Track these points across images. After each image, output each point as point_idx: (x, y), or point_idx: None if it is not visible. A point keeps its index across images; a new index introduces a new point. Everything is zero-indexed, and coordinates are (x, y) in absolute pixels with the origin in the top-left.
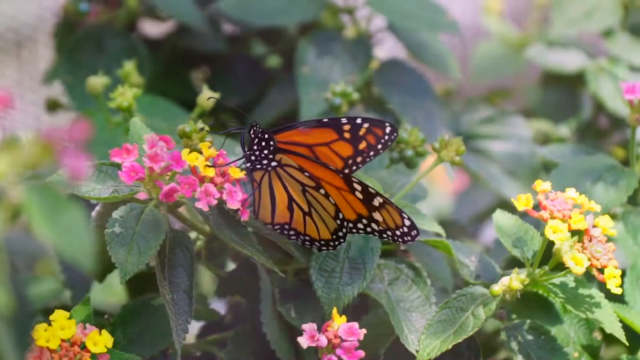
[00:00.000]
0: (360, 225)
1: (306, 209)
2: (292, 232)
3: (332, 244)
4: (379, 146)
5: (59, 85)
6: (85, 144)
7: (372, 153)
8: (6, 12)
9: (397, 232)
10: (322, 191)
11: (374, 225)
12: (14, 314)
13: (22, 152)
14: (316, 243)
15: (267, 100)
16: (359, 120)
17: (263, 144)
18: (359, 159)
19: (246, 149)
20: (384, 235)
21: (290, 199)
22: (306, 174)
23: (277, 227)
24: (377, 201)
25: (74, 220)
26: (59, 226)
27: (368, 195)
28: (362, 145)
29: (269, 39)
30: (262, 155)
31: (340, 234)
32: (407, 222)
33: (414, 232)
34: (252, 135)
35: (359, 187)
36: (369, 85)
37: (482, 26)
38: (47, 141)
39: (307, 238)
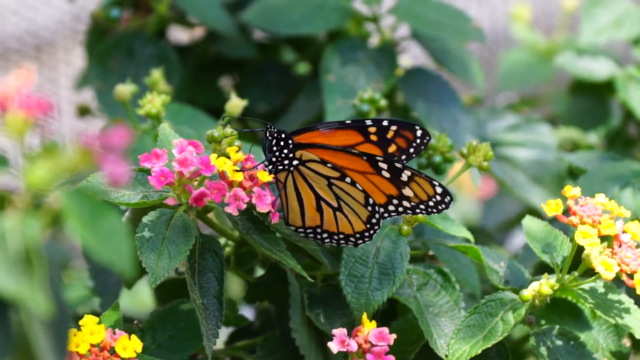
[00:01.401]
0: (391, 208)
1: (335, 204)
2: (325, 235)
3: (367, 234)
4: (411, 150)
5: (81, 91)
6: (124, 150)
7: (403, 157)
8: (25, 16)
9: (431, 203)
10: (347, 180)
11: (405, 203)
12: (53, 319)
13: (61, 158)
14: (351, 239)
15: (294, 108)
16: (385, 122)
17: (282, 143)
18: (385, 166)
19: (266, 152)
20: (417, 210)
21: (318, 198)
22: (329, 165)
23: (309, 231)
24: (405, 175)
25: (113, 225)
26: (98, 231)
27: (395, 172)
28: (392, 148)
29: (298, 46)
30: (283, 155)
31: (374, 220)
32: (439, 190)
33: (447, 199)
34: (270, 138)
35: (384, 166)
36: (393, 93)
37: (509, 33)
38: (87, 147)
39: (341, 236)
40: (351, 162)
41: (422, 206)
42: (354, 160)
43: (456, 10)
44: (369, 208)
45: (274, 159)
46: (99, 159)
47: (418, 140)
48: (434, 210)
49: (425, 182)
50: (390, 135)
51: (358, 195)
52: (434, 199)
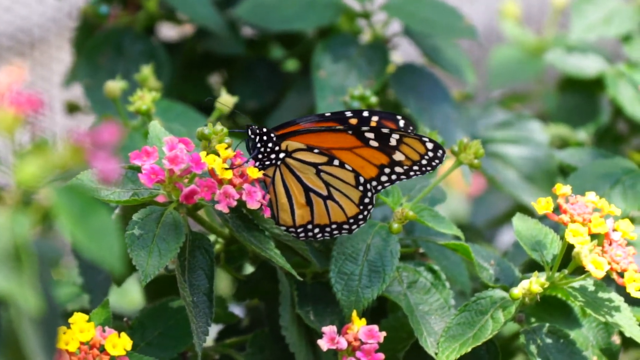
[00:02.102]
0: (384, 178)
1: (325, 192)
2: (316, 230)
3: (361, 216)
4: (424, 162)
5: (73, 88)
6: (114, 147)
7: (416, 169)
8: (19, 13)
9: (424, 162)
10: (336, 162)
11: (398, 169)
12: (43, 316)
13: (52, 155)
14: (345, 226)
15: (284, 104)
16: (365, 114)
17: (265, 138)
18: (398, 169)
19: (252, 150)
20: (411, 173)
21: (307, 190)
22: (315, 150)
23: (300, 230)
24: (393, 139)
25: (103, 222)
26: (88, 228)
27: (383, 138)
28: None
29: (288, 42)
30: (268, 149)
31: (367, 200)
32: (430, 146)
33: (439, 152)
34: (252, 136)
35: (371, 135)
36: (385, 90)
37: (494, 29)
38: (77, 144)
39: (334, 227)
40: (337, 141)
41: (415, 167)
42: (340, 138)
43: (448, 8)
44: (360, 188)
45: (260, 155)
46: (89, 156)
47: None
48: (429, 169)
49: (414, 140)
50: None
51: (348, 176)
52: (426, 157)
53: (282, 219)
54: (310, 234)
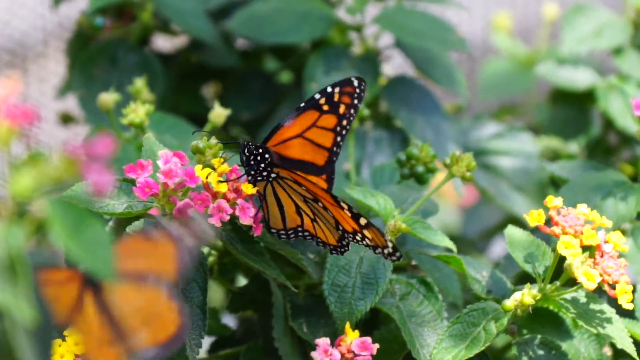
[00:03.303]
0: (358, 237)
1: (312, 216)
2: (306, 233)
3: (340, 250)
4: (355, 101)
5: (69, 101)
6: (108, 159)
7: (352, 111)
8: (17, 27)
9: (385, 251)
10: (320, 204)
11: (367, 240)
12: (38, 327)
13: (46, 167)
14: (328, 245)
15: (277, 116)
16: (329, 89)
17: (258, 158)
18: (344, 122)
19: (245, 166)
20: (377, 251)
21: (297, 206)
22: (303, 187)
23: (290, 232)
24: (362, 221)
25: (97, 234)
26: (82, 240)
27: (354, 216)
28: (342, 109)
29: (281, 54)
30: (260, 168)
31: (344, 242)
32: (389, 244)
33: (397, 254)
34: (247, 153)
35: (345, 206)
36: (376, 102)
37: (491, 43)
38: (71, 156)
39: (319, 240)
40: (320, 192)
41: (379, 249)
42: (323, 192)
43: (440, 20)
44: (339, 232)
45: (252, 172)
46: (84, 168)
47: (358, 90)
48: (388, 258)
49: (378, 234)
50: (337, 98)
51: (329, 218)
52: (387, 250)
53: (273, 223)
54: (300, 234)
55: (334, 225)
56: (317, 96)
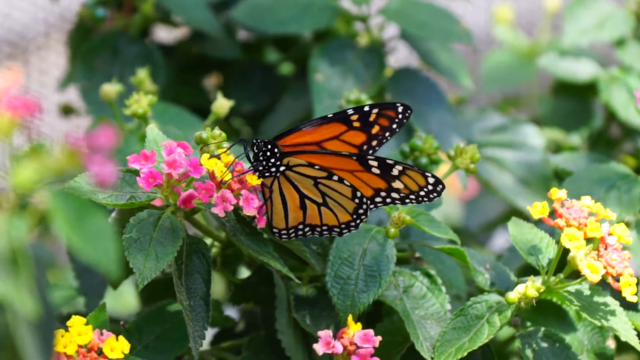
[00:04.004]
0: (378, 199)
1: (320, 200)
2: (307, 229)
3: (353, 224)
4: (394, 126)
5: (70, 93)
6: (111, 150)
7: (387, 134)
8: (18, 19)
9: (422, 193)
10: (335, 178)
11: (394, 195)
12: (40, 319)
13: (48, 158)
14: (335, 229)
15: (280, 107)
16: (366, 108)
17: (268, 154)
18: (374, 143)
19: (253, 162)
20: (407, 201)
21: (302, 197)
22: (316, 167)
23: (291, 231)
24: (396, 170)
25: (99, 226)
26: (85, 232)
27: (386, 167)
28: (375, 129)
29: (283, 46)
30: (270, 164)
31: (361, 211)
32: (431, 180)
33: (439, 187)
34: (256, 150)
35: (375, 163)
36: (382, 94)
37: (493, 35)
38: (74, 148)
39: (324, 228)
40: (339, 163)
41: (412, 196)
42: (344, 161)
43: (445, 12)
44: (357, 200)
45: (260, 168)
46: (86, 159)
47: (400, 116)
48: (425, 199)
49: (417, 174)
50: (372, 118)
51: (345, 190)
52: (425, 189)
53: (276, 221)
54: (300, 232)
55: (350, 197)
56: (350, 111)
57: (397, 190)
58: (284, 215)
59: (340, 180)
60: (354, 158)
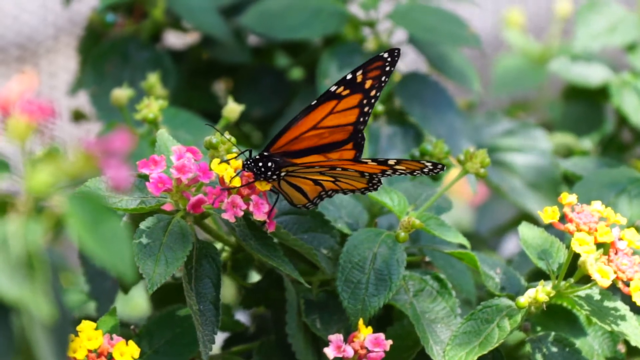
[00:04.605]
0: (388, 172)
1: (332, 180)
2: (330, 192)
3: (371, 188)
4: (387, 69)
5: (79, 97)
6: (125, 155)
7: (383, 78)
8: (27, 23)
9: (425, 170)
10: (338, 169)
11: (400, 171)
12: (55, 323)
13: (63, 162)
14: (357, 191)
15: (290, 112)
16: (349, 76)
17: (263, 169)
18: (372, 93)
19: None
20: (415, 174)
21: (315, 181)
22: (316, 167)
23: (315, 199)
24: (391, 162)
25: (114, 230)
26: (100, 236)
27: (382, 162)
28: (368, 84)
29: (293, 50)
30: (268, 174)
31: (375, 180)
32: (428, 164)
33: (439, 166)
34: (251, 166)
35: (371, 162)
36: (390, 98)
37: (502, 39)
38: (89, 152)
39: (347, 190)
40: (339, 162)
41: (416, 171)
42: (342, 162)
43: (453, 16)
44: (366, 176)
45: (261, 178)
46: (101, 163)
47: (389, 59)
48: (430, 173)
49: (413, 162)
50: (359, 80)
51: (353, 174)
52: (427, 168)
53: (297, 201)
54: (325, 197)
55: (358, 177)
56: (333, 88)
57: (401, 170)
58: (303, 195)
59: (345, 169)
60: (351, 162)
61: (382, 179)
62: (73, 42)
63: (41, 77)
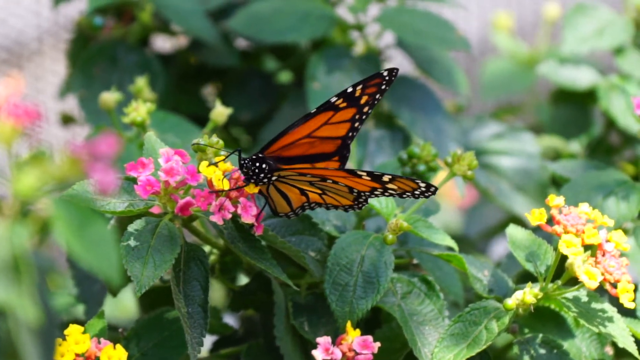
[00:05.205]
0: (377, 193)
1: (320, 192)
2: (313, 204)
3: (355, 207)
4: (383, 87)
5: (67, 100)
6: (112, 158)
7: (377, 96)
8: (13, 25)
9: (416, 192)
10: (329, 181)
11: (390, 191)
12: (42, 326)
13: (50, 166)
14: (340, 208)
15: (278, 116)
16: (350, 90)
17: (256, 170)
18: (365, 109)
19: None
20: (404, 196)
21: (302, 190)
22: (308, 175)
23: (298, 210)
24: (386, 177)
25: (101, 233)
26: (86, 239)
27: (376, 177)
28: (364, 99)
29: (282, 54)
30: (260, 177)
31: (361, 199)
32: (422, 185)
33: (432, 189)
34: (245, 169)
35: (364, 174)
36: (379, 102)
37: (487, 42)
38: (75, 155)
39: (330, 205)
40: (331, 173)
41: (407, 193)
42: (334, 172)
43: (441, 20)
44: (355, 193)
45: (252, 180)
46: (88, 167)
47: (387, 78)
48: (422, 196)
49: (407, 181)
50: (358, 94)
51: (341, 188)
52: (419, 190)
53: (280, 209)
54: (307, 208)
55: (347, 192)
56: (334, 99)
57: (392, 189)
58: (287, 203)
59: (335, 182)
60: (344, 172)
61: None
62: (59, 44)
63: (27, 80)
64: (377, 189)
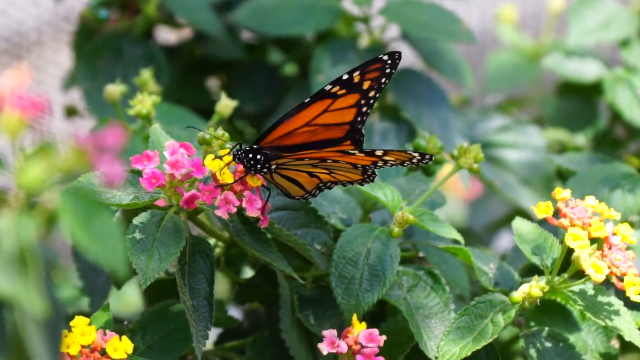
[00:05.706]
0: (379, 164)
1: (327, 172)
2: (329, 184)
3: (367, 179)
4: (387, 71)
5: (71, 92)
6: (118, 150)
7: (383, 80)
8: (13, 16)
9: (414, 160)
10: (329, 161)
11: (390, 162)
12: (48, 319)
13: (55, 158)
14: (356, 183)
15: (283, 108)
16: (345, 76)
17: (252, 161)
18: (371, 94)
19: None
20: (405, 164)
21: (309, 173)
22: (306, 159)
23: (314, 191)
24: (379, 152)
25: (107, 225)
26: (93, 231)
27: (369, 154)
28: (366, 84)
29: (286, 46)
30: (258, 167)
31: (369, 172)
32: (415, 154)
33: (427, 156)
34: (240, 160)
35: (359, 153)
36: (384, 94)
37: (489, 34)
38: (81, 147)
39: (345, 182)
40: (329, 153)
41: (407, 162)
42: (331, 152)
43: (446, 12)
44: (359, 168)
45: (251, 170)
46: (94, 159)
47: (389, 62)
48: (420, 164)
49: (400, 153)
50: (357, 79)
51: (345, 165)
52: (414, 160)
53: (294, 193)
54: (323, 188)
55: (351, 168)
56: (328, 87)
57: (391, 160)
58: (299, 187)
59: (336, 161)
60: (340, 153)
61: (377, 173)
62: (59, 35)
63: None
64: (377, 162)
